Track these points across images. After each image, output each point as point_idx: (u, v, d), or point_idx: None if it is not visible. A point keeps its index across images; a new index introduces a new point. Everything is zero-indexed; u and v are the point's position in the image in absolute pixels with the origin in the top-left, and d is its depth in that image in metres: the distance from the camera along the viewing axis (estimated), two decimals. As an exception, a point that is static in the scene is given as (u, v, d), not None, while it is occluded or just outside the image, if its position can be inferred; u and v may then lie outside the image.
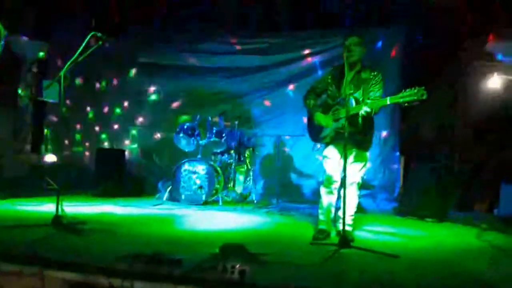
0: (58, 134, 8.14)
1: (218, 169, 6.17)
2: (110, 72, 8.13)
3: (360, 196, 6.34)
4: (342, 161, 3.73)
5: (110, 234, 3.48)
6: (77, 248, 2.95)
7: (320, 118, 3.86)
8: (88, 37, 3.79)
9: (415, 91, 3.20)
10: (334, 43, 7.05)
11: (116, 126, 8.11)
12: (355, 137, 3.72)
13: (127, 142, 8.05)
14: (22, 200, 5.09)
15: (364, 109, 3.48)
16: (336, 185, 3.91)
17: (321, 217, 3.97)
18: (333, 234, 3.92)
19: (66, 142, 8.20)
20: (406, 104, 3.29)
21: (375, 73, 3.76)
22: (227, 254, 2.50)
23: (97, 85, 8.21)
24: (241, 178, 6.60)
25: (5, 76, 7.39)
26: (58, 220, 3.51)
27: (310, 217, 4.88)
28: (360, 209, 6.11)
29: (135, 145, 7.99)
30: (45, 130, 8.16)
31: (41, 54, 8.23)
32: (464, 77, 6.75)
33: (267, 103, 7.35)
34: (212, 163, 6.16)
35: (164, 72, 7.88)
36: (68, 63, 3.68)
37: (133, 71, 8.05)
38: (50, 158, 7.45)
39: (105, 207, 5.15)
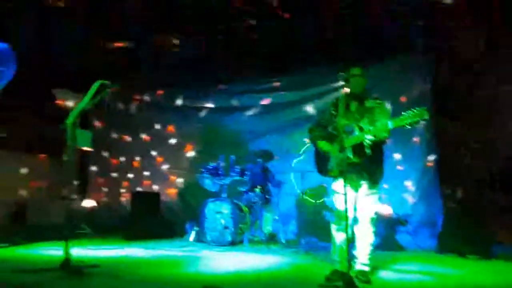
0: (99, 180, 8.49)
1: (244, 208, 6.08)
2: (146, 121, 8.48)
3: (395, 233, 6.07)
4: (352, 195, 3.57)
5: (112, 278, 3.48)
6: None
7: (324, 145, 3.79)
8: (96, 86, 3.98)
9: (417, 112, 3.13)
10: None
11: (154, 170, 8.33)
12: (364, 168, 3.55)
13: (165, 185, 8.22)
14: (51, 244, 5.25)
15: (367, 138, 3.34)
16: (348, 221, 3.67)
17: (334, 257, 3.74)
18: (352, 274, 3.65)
19: (107, 187, 8.51)
20: (408, 126, 3.19)
21: (380, 101, 3.69)
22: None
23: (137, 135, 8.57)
24: (269, 216, 6.44)
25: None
26: (67, 264, 3.57)
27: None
28: (397, 246, 5.79)
29: (172, 188, 8.15)
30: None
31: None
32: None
33: (293, 140, 7.24)
34: (237, 202, 6.09)
35: (195, 114, 8.12)
36: (76, 110, 3.85)
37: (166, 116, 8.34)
38: (90, 203, 7.76)
39: (129, 250, 5.20)
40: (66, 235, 3.72)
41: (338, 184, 3.69)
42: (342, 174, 3.58)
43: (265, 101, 7.62)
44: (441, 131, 6.61)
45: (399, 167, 6.93)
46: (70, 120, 3.81)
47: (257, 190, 6.18)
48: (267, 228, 6.36)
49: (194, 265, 4.27)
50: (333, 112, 3.77)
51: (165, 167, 8.26)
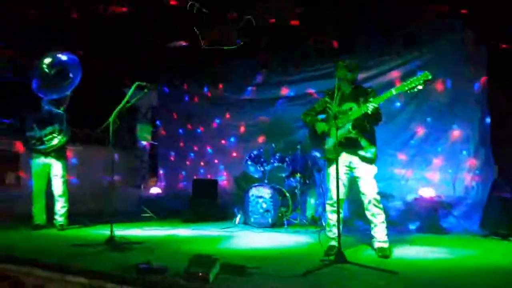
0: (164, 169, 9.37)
1: (286, 193, 6.39)
2: (208, 115, 9.05)
3: (438, 216, 5.95)
4: (345, 176, 3.79)
5: (147, 252, 4.02)
6: (106, 261, 3.55)
7: (323, 126, 4.08)
8: (133, 87, 4.56)
9: (420, 75, 3.34)
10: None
11: (215, 160, 8.96)
12: (360, 146, 3.84)
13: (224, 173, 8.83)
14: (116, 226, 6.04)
15: (370, 106, 3.61)
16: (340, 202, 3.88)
17: (329, 234, 4.00)
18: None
19: (171, 176, 9.36)
20: (413, 90, 3.39)
21: (370, 89, 3.99)
22: (194, 263, 2.82)
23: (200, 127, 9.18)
24: (312, 201, 6.68)
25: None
26: (111, 241, 4.24)
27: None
28: (440, 230, 5.70)
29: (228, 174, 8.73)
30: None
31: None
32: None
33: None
34: (278, 187, 6.42)
35: (248, 105, 8.54)
36: (116, 110, 4.46)
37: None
38: (156, 190, 8.62)
39: (178, 230, 5.81)
40: (110, 217, 4.40)
41: (333, 168, 3.90)
42: (341, 149, 3.83)
43: (310, 90, 7.76)
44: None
45: (450, 149, 6.69)
46: (111, 118, 4.41)
47: (297, 176, 6.46)
48: (309, 212, 6.62)
49: (224, 242, 4.78)
50: (328, 99, 4.03)
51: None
